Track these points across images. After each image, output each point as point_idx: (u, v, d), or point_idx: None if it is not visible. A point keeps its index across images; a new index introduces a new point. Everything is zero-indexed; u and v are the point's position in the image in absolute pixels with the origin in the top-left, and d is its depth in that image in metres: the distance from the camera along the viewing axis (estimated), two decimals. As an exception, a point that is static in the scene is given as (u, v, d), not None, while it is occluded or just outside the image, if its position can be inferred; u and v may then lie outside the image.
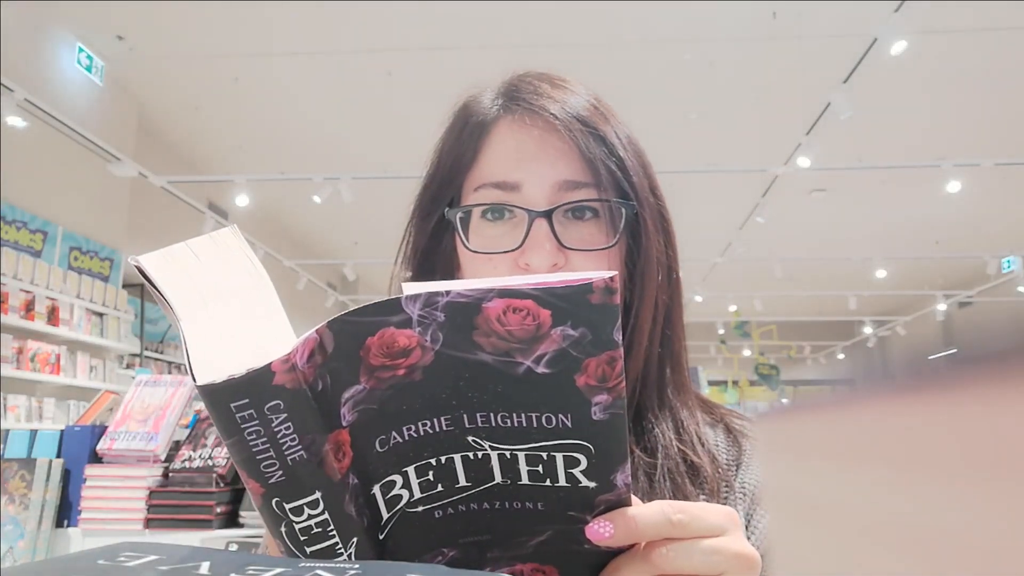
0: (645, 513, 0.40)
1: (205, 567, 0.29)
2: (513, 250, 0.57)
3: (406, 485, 0.40)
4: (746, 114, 6.37)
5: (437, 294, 0.36)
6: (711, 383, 12.40)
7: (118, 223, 6.36)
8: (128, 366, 6.80)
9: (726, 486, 0.58)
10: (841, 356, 16.49)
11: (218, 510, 1.66)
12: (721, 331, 12.42)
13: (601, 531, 0.40)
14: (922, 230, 9.29)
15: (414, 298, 0.35)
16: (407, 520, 0.41)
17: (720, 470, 0.59)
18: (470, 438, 0.39)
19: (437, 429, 0.39)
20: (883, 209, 8.43)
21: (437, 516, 0.42)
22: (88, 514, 1.66)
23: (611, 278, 0.35)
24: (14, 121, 4.67)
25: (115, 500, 1.66)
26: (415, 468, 0.40)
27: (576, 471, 0.40)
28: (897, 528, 0.16)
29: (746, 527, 0.57)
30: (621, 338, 0.37)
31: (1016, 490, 0.12)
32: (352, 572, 0.29)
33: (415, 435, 0.39)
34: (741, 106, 6.24)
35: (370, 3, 4.94)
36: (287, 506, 0.36)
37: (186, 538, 1.58)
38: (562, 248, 0.56)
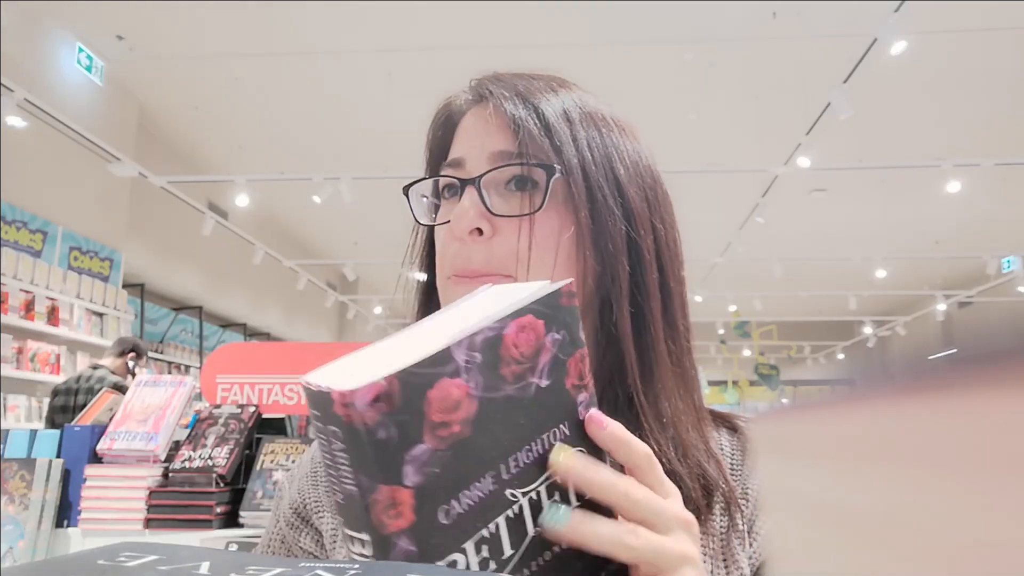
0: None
1: (205, 567, 0.29)
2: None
3: (467, 565, 0.38)
4: (746, 114, 6.37)
5: (476, 333, 0.36)
6: (711, 383, 12.41)
7: (118, 223, 6.36)
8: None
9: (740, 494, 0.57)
10: (841, 356, 16.50)
11: (218, 510, 1.66)
12: (721, 331, 12.43)
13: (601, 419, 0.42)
14: (922, 230, 9.29)
15: (460, 344, 0.36)
16: None
17: (731, 480, 0.56)
18: (508, 492, 0.38)
19: (485, 492, 0.37)
20: (883, 209, 8.43)
21: None
22: (88, 514, 1.66)
23: (570, 283, 0.40)
24: (14, 121, 4.68)
25: (115, 500, 1.66)
26: (473, 544, 0.38)
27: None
28: (897, 527, 0.16)
29: (748, 533, 0.55)
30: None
31: (1016, 489, 0.12)
32: (352, 572, 0.29)
33: (471, 503, 0.37)
34: (741, 106, 6.24)
35: (370, 3, 4.94)
36: (345, 530, 0.36)
37: (186, 538, 1.58)
38: (491, 216, 0.57)
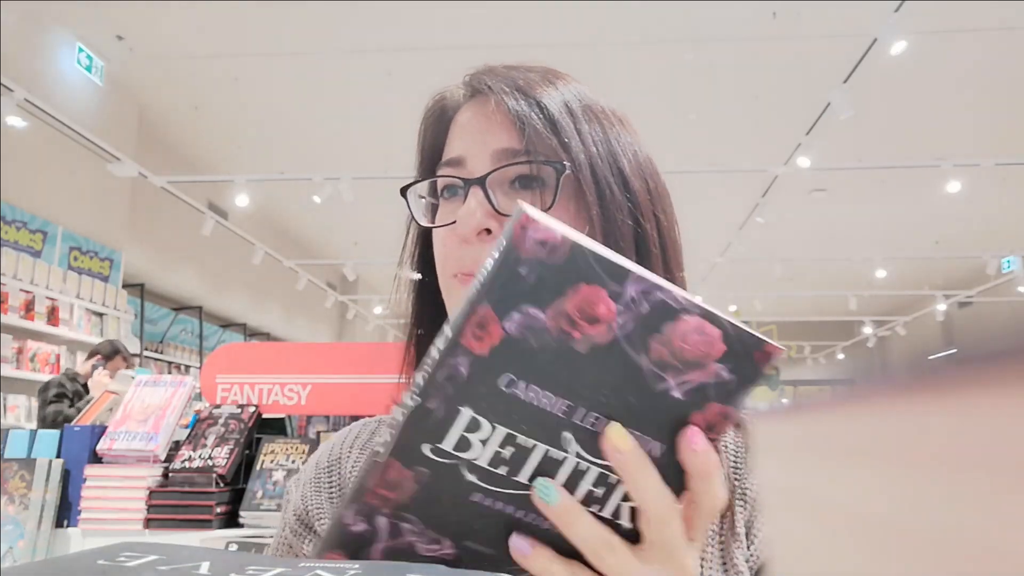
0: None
1: (205, 567, 0.29)
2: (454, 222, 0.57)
3: (485, 442, 0.36)
4: (746, 114, 6.37)
5: (657, 286, 0.35)
6: (711, 383, 12.37)
7: (118, 223, 6.36)
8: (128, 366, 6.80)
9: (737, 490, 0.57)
10: (841, 356, 16.49)
11: (218, 510, 1.66)
12: (721, 331, 12.39)
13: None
14: (922, 230, 9.29)
15: (638, 279, 0.34)
16: (450, 476, 0.37)
17: (732, 480, 0.56)
18: (565, 433, 0.36)
19: (551, 409, 0.36)
20: (883, 209, 8.43)
21: (472, 499, 0.38)
22: (88, 514, 1.66)
23: (780, 350, 0.37)
24: (14, 121, 4.68)
25: (115, 500, 1.66)
26: (505, 434, 0.36)
27: (627, 506, 0.38)
28: (897, 527, 0.16)
29: (746, 535, 0.55)
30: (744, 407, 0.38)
31: (1016, 489, 0.12)
32: (352, 572, 0.29)
33: (532, 402, 0.36)
34: (741, 106, 6.24)
35: (370, 3, 4.94)
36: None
37: (186, 538, 1.58)
38: (500, 216, 0.56)
